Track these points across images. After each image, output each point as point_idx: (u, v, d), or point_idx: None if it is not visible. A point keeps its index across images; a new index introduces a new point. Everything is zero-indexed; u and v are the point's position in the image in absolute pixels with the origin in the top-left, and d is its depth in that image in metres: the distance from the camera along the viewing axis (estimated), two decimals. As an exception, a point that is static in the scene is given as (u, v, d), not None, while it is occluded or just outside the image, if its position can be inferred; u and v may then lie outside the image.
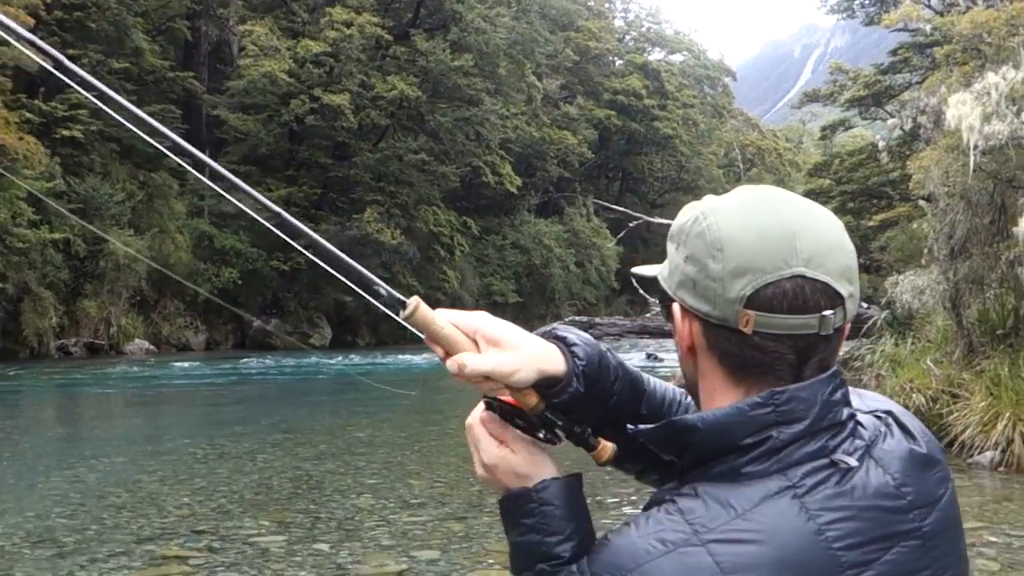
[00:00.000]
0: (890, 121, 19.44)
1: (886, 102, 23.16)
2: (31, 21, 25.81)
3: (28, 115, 28.84)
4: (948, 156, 12.48)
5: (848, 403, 1.15)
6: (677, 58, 75.89)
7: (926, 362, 12.96)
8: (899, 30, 23.80)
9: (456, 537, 7.42)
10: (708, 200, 1.18)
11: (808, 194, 29.43)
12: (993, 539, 7.53)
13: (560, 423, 1.25)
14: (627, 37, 74.38)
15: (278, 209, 1.38)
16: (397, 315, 1.26)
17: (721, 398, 1.14)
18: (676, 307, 1.17)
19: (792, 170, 70.85)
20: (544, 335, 1.26)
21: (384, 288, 1.26)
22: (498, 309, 49.45)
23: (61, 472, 10.20)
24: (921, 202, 14.40)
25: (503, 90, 46.72)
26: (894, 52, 23.29)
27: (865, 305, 22.47)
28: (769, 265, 1.08)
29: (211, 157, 29.44)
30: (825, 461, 1.08)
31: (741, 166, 52.47)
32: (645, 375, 1.40)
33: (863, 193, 23.78)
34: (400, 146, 42.28)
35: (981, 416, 10.97)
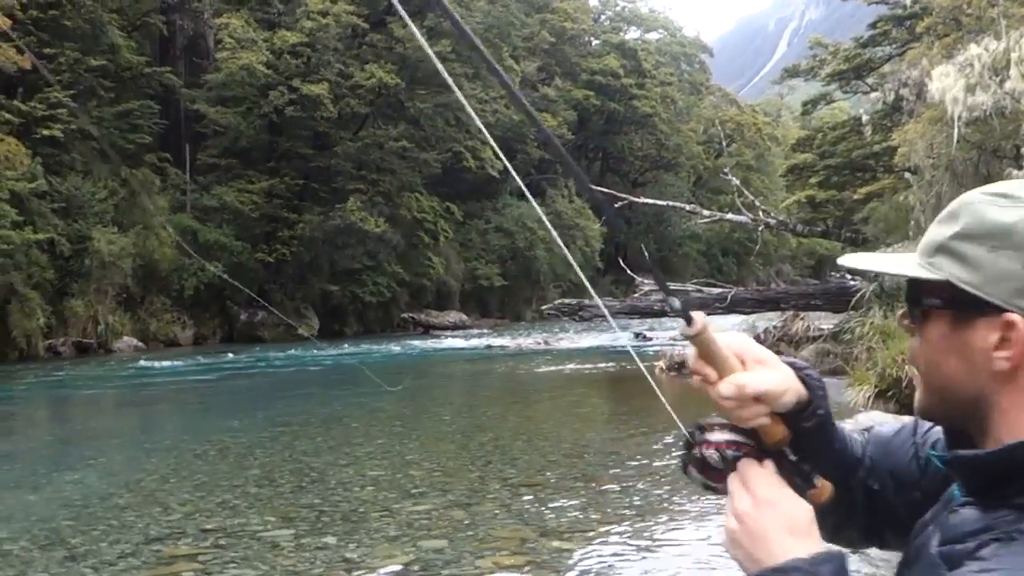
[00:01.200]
0: (873, 95, 19.53)
1: (866, 75, 23.25)
2: (8, 22, 25.54)
3: (7, 115, 28.64)
4: (932, 128, 12.59)
5: None
6: (653, 36, 75.78)
7: (916, 334, 13.07)
8: (876, 2, 23.89)
9: (461, 525, 7.47)
10: None
11: (792, 169, 29.63)
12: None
13: (793, 459, 1.20)
14: (602, 17, 74.22)
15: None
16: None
17: None
18: (1016, 318, 1.06)
19: (772, 144, 70.97)
20: None
21: (678, 301, 1.19)
22: (485, 292, 49.50)
23: (62, 474, 10.20)
24: (906, 174, 14.52)
25: (481, 74, 46.58)
26: (873, 25, 23.37)
27: (851, 277, 22.60)
28: None
29: (191, 152, 29.20)
30: None
31: (723, 142, 52.58)
32: None
33: (847, 166, 23.89)
34: (380, 134, 42.16)
35: (972, 386, 11.08)
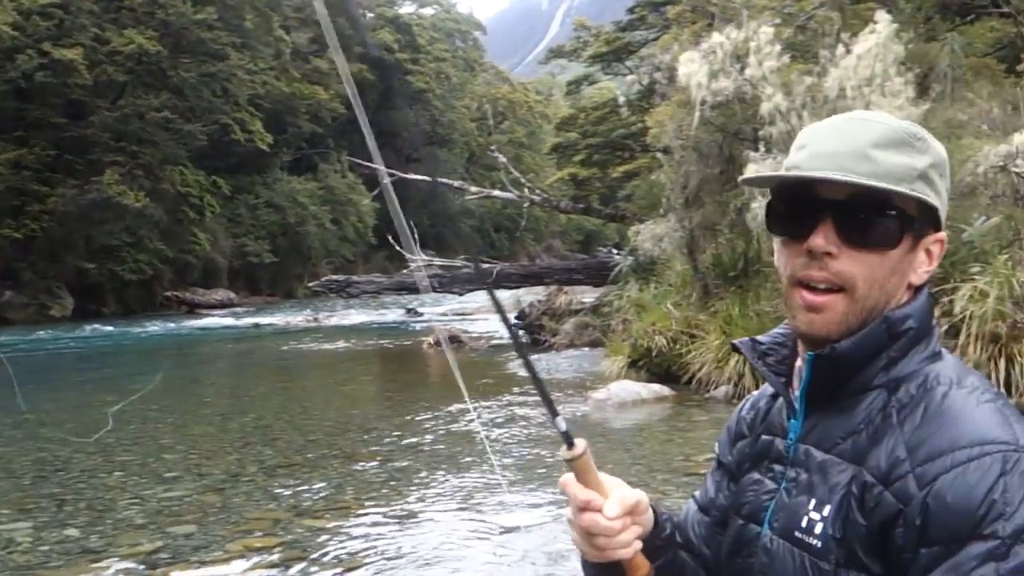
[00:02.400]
0: (629, 77, 20.30)
1: (626, 58, 24.15)
2: None
3: None
4: (681, 111, 13.20)
5: None
6: (428, 12, 75.74)
7: (667, 305, 13.75)
8: (638, -13, 24.75)
9: (213, 509, 7.30)
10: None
11: (556, 147, 30.39)
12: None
13: None
14: (376, -10, 73.45)
15: None
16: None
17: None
18: (943, 235, 1.28)
19: (543, 122, 72.47)
20: None
21: (562, 421, 1.24)
22: (254, 269, 48.20)
23: None
24: (659, 154, 15.17)
25: (250, 44, 45.22)
26: (632, 10, 24.27)
27: (616, 252, 23.46)
28: None
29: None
30: None
31: (491, 120, 53.12)
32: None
33: (607, 146, 24.76)
34: (141, 103, 40.10)
35: (716, 354, 11.77)
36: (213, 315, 35.53)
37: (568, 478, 1.26)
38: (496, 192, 21.64)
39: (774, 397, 1.42)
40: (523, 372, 15.08)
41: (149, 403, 12.89)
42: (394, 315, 28.84)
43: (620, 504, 1.25)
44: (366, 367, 18.60)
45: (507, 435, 9.87)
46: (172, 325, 31.29)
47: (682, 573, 1.44)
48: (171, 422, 11.88)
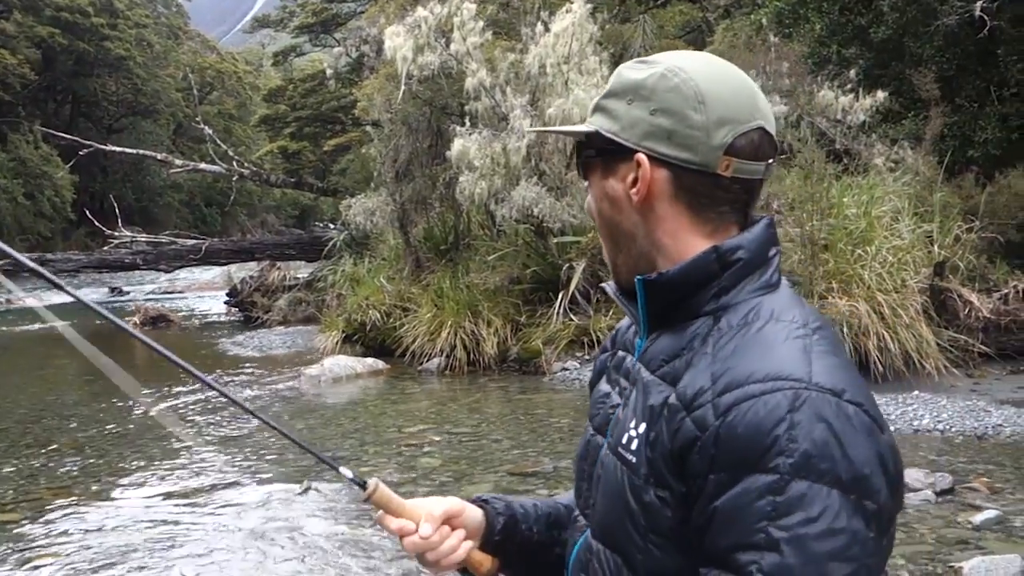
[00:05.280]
0: (336, 50, 20.07)
1: (334, 30, 23.86)
2: None
3: None
4: (389, 84, 13.22)
5: None
6: (126, -26, 71.44)
7: (381, 279, 13.82)
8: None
9: None
10: (663, 59, 1.28)
11: (266, 119, 29.59)
12: (436, 438, 8.31)
13: None
14: (67, -52, 68.38)
15: None
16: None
17: (687, 236, 1.26)
18: (642, 157, 1.24)
19: (253, 94, 70.39)
20: None
21: (349, 471, 1.37)
22: (-66, 251, 43.87)
23: None
24: (369, 128, 15.14)
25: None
26: (339, -19, 24.02)
27: (332, 226, 23.25)
28: (743, 117, 1.23)
29: None
30: None
31: (195, 92, 50.61)
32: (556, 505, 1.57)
33: (318, 119, 24.39)
34: None
35: (428, 326, 11.96)
36: None
37: (379, 516, 1.40)
38: (203, 165, 20.88)
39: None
40: (235, 351, 14.72)
41: None
42: (96, 295, 27.18)
43: (430, 521, 1.38)
44: (64, 350, 17.41)
45: (216, 418, 9.61)
46: None
47: (549, 546, 1.52)
48: None
